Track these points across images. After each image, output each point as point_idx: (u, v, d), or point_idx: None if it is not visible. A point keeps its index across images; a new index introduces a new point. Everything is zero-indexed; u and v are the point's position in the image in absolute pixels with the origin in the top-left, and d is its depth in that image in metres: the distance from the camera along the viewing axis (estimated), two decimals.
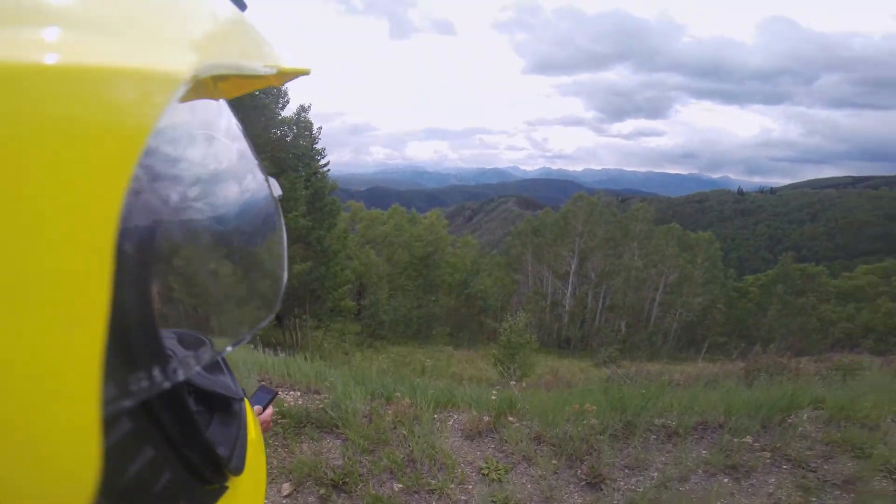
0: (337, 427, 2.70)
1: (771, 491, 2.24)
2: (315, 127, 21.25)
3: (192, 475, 0.33)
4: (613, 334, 32.44)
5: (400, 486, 2.28)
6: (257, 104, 18.77)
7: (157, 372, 0.23)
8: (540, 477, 2.36)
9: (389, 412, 2.88)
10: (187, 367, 0.27)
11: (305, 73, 0.43)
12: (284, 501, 2.21)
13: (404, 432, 2.66)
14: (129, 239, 0.20)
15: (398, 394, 3.12)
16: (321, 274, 21.38)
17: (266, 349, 4.70)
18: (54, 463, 0.18)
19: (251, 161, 0.41)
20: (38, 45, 0.16)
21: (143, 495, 0.29)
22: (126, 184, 0.18)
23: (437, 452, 2.51)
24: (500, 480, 2.34)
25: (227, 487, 0.38)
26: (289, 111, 20.63)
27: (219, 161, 0.39)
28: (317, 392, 3.19)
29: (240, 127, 0.40)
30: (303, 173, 20.46)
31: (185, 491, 0.33)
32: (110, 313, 0.18)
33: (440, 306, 35.61)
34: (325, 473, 2.32)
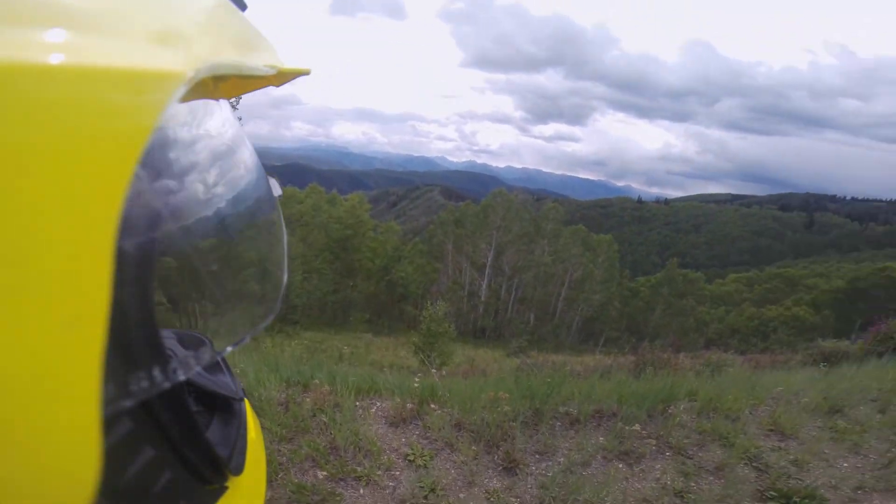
0: None
1: (658, 476, 2.54)
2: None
3: (192, 475, 0.33)
4: (523, 326, 34.39)
5: (324, 473, 2.25)
6: None
7: (157, 372, 0.24)
8: (462, 462, 2.47)
9: (307, 400, 2.83)
10: (187, 367, 0.27)
11: (305, 73, 0.43)
12: None
13: (325, 420, 2.63)
14: (129, 239, 0.20)
15: (316, 381, 3.07)
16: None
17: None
18: (54, 463, 0.18)
19: (251, 161, 0.41)
20: (38, 46, 0.16)
21: (143, 495, 0.29)
22: (126, 184, 0.18)
23: (361, 439, 2.52)
24: (425, 466, 2.41)
25: (227, 487, 0.38)
26: None
27: (219, 161, 0.39)
28: None
29: (240, 127, 0.40)
30: None
31: (185, 491, 0.33)
32: (110, 313, 0.18)
33: (359, 292, 35.13)
34: None
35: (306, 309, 30.23)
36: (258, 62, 0.33)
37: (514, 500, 2.28)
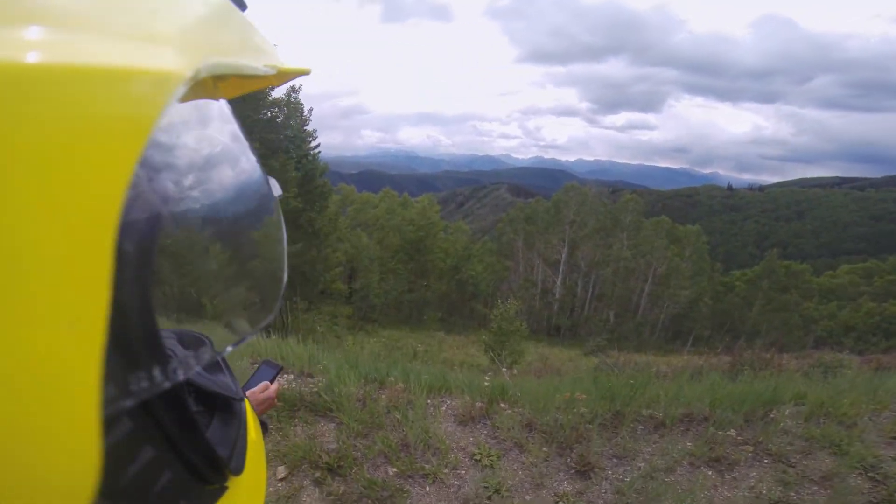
0: (331, 411, 2.72)
1: (752, 484, 2.30)
2: (306, 109, 21.32)
3: (192, 475, 0.33)
4: (602, 324, 32.86)
5: (394, 470, 2.31)
6: None
7: (157, 372, 0.23)
8: (531, 464, 2.41)
9: (383, 396, 2.91)
10: (187, 367, 0.27)
11: (306, 72, 0.43)
12: (280, 485, 2.24)
13: (398, 417, 2.69)
14: (129, 239, 0.20)
15: (392, 378, 3.15)
16: (312, 256, 21.53)
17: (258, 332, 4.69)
18: (54, 463, 0.18)
19: (252, 161, 0.41)
20: (38, 46, 0.16)
21: (143, 495, 0.29)
22: (126, 184, 0.18)
23: (430, 437, 2.55)
24: (492, 466, 2.39)
25: (227, 487, 0.38)
26: (279, 92, 20.54)
27: (219, 161, 0.39)
28: (310, 375, 3.21)
29: (240, 127, 0.40)
30: (294, 155, 20.53)
31: (185, 491, 0.33)
32: (110, 313, 0.18)
33: (432, 291, 35.69)
34: (320, 457, 2.35)
35: (384, 308, 31.39)
36: (258, 62, 0.33)
37: None
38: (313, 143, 22.39)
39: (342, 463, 2.34)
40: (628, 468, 2.40)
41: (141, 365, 0.23)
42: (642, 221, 36.19)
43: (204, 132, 0.37)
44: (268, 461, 2.32)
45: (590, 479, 2.34)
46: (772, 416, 2.79)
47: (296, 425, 2.66)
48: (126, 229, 0.19)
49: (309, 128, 21.81)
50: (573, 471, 2.39)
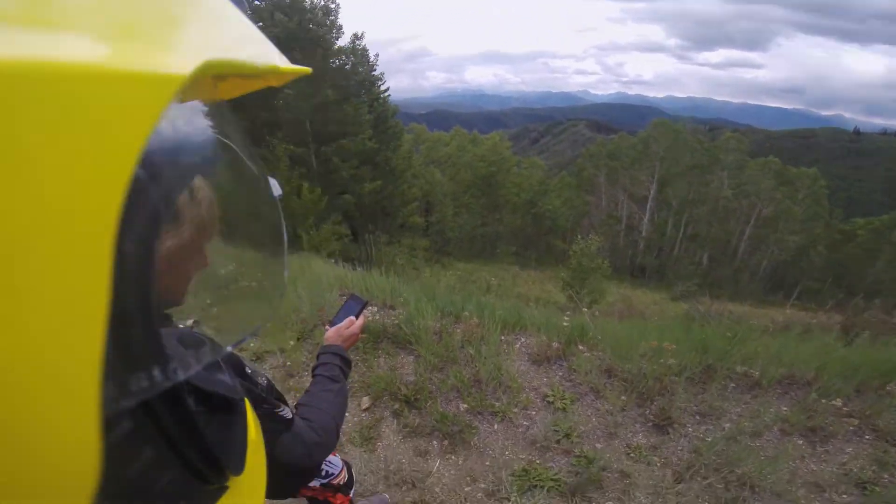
0: (410, 343, 2.81)
1: (845, 461, 2.06)
2: (371, 54, 22.36)
3: (192, 475, 0.33)
4: (694, 267, 31.21)
5: (465, 405, 2.37)
6: (312, 37, 19.78)
7: (157, 372, 0.24)
8: (606, 412, 2.33)
9: (458, 331, 2.94)
10: (187, 367, 0.27)
11: (306, 73, 0.43)
12: (363, 415, 2.39)
13: (472, 352, 2.71)
14: (128, 239, 0.20)
15: (466, 313, 3.15)
16: (390, 192, 23.00)
17: (345, 263, 4.96)
18: (54, 463, 0.18)
19: (252, 160, 0.42)
20: (38, 46, 0.16)
21: (143, 495, 0.29)
22: (125, 184, 0.18)
23: (503, 375, 2.55)
24: (564, 410, 2.35)
25: (227, 487, 0.38)
26: (344, 41, 21.72)
27: (219, 162, 0.41)
28: (392, 307, 3.32)
29: (240, 127, 0.41)
30: (365, 99, 21.84)
31: (185, 491, 0.34)
32: (110, 313, 0.18)
33: (505, 225, 36.40)
34: (399, 389, 2.46)
35: (458, 241, 32.61)
36: (258, 62, 0.32)
37: (657, 459, 2.09)
38: (382, 87, 23.53)
39: (418, 396, 2.43)
40: (711, 427, 2.24)
41: (141, 365, 0.23)
42: (747, 161, 33.41)
43: (203, 132, 0.38)
44: (354, 392, 2.49)
45: (667, 434, 2.21)
46: (888, 388, 2.42)
47: (379, 356, 2.80)
48: (126, 229, 0.19)
49: (376, 72, 22.96)
50: (650, 424, 2.28)
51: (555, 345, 2.80)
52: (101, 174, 0.17)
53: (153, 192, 0.23)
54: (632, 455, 2.10)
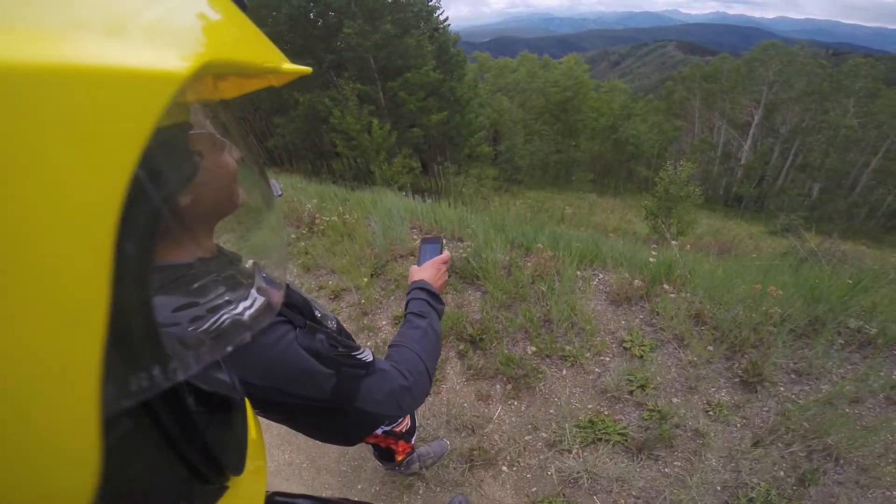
0: (478, 278, 2.68)
1: None
2: None
3: (192, 475, 0.33)
4: (801, 198, 28.76)
5: (533, 348, 2.23)
6: None
7: (157, 372, 0.24)
8: (689, 363, 2.07)
9: (529, 264, 2.75)
10: (187, 367, 0.27)
11: (306, 72, 0.44)
12: None
13: (543, 289, 2.52)
14: (128, 239, 0.21)
15: (539, 245, 2.92)
16: (457, 122, 23.02)
17: (415, 195, 4.89)
18: (54, 463, 0.18)
19: (252, 160, 0.45)
20: (37, 45, 0.16)
21: (142, 495, 0.29)
22: (125, 184, 0.18)
23: (576, 315, 2.36)
24: (642, 358, 2.12)
25: (227, 487, 0.37)
26: None
27: (219, 161, 0.43)
28: (460, 240, 3.20)
29: (240, 126, 0.43)
30: (425, 30, 21.72)
31: (184, 491, 0.33)
32: (110, 313, 0.19)
33: (581, 151, 35.44)
34: (465, 328, 2.36)
35: (529, 169, 32.01)
36: (258, 61, 0.33)
37: (739, 420, 1.82)
38: (441, 16, 23.24)
39: (483, 336, 2.32)
40: (806, 388, 1.90)
41: (141, 365, 0.23)
42: (881, 88, 29.80)
43: (204, 132, 0.40)
44: None
45: (755, 392, 1.92)
46: None
47: (446, 293, 2.70)
48: (126, 229, 0.19)
49: (433, 2, 22.49)
50: (737, 380, 1.98)
51: (637, 283, 2.51)
52: (100, 174, 0.18)
53: (153, 191, 0.23)
54: (710, 413, 1.86)
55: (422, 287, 0.97)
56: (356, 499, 1.60)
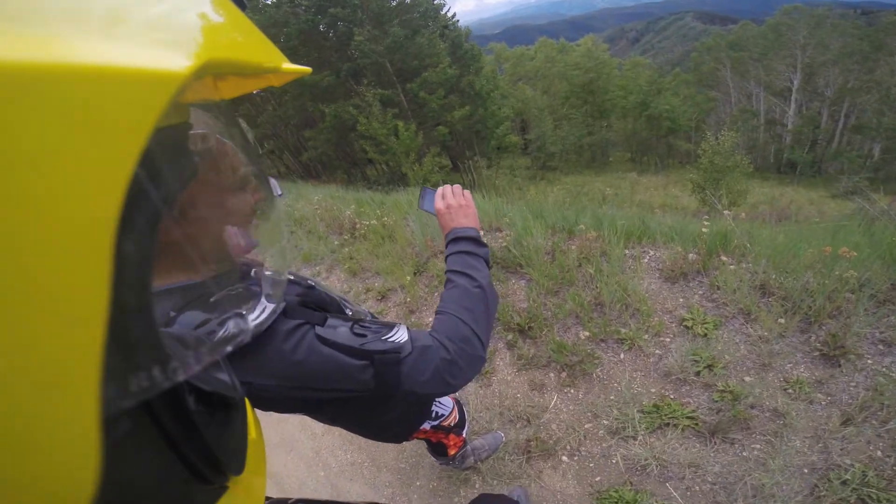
0: (521, 266, 2.61)
1: None
2: None
3: (192, 475, 0.33)
4: (862, 160, 27.40)
5: (586, 333, 2.14)
6: None
7: (157, 372, 0.24)
8: (759, 338, 1.91)
9: (573, 248, 2.65)
10: (187, 366, 0.27)
11: (306, 72, 0.44)
12: None
13: (591, 271, 2.42)
14: (128, 239, 0.21)
15: (581, 226, 2.82)
16: (481, 115, 23.04)
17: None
18: (55, 462, 0.18)
19: (252, 159, 0.44)
20: (37, 45, 0.16)
21: (142, 495, 0.28)
22: (125, 184, 0.18)
23: (629, 296, 2.24)
24: (706, 336, 1.99)
25: (227, 487, 0.37)
26: None
27: (219, 160, 0.43)
28: (498, 230, 3.13)
29: (240, 126, 0.42)
30: (435, 29, 21.73)
31: (185, 491, 0.33)
32: (110, 313, 0.19)
33: (615, 131, 34.91)
34: (512, 318, 2.30)
35: (563, 155, 31.52)
36: (258, 61, 0.33)
37: (823, 397, 1.66)
38: (448, 13, 23.25)
39: (532, 324, 2.25)
40: None
41: (141, 365, 0.23)
42: None
43: (204, 132, 0.40)
44: None
45: (839, 366, 1.74)
46: None
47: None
48: (126, 229, 0.19)
49: (437, 1, 22.42)
50: (817, 353, 1.81)
51: (691, 256, 2.36)
52: (101, 173, 0.18)
53: (153, 191, 0.24)
54: (790, 391, 1.70)
55: (455, 237, 0.87)
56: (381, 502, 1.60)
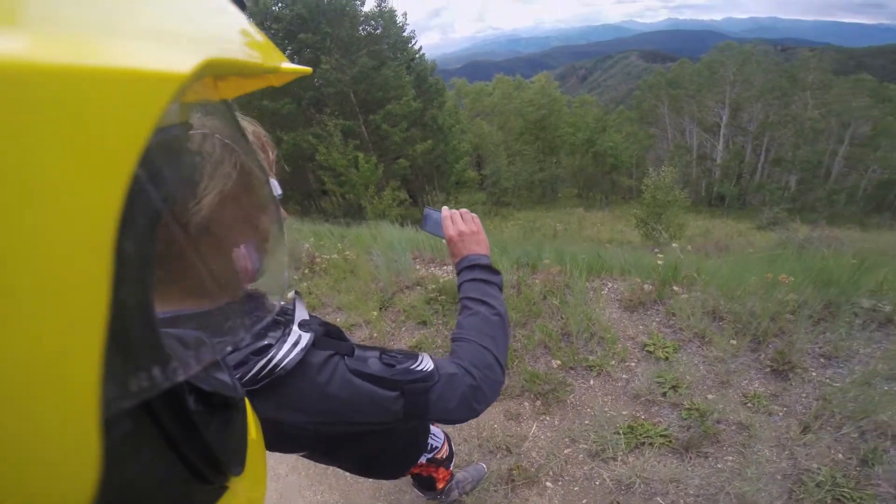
0: None
1: None
2: (399, 14, 22.12)
3: (192, 475, 0.33)
4: (780, 191, 29.84)
5: (557, 362, 2.21)
6: (335, 7, 19.59)
7: (157, 372, 0.24)
8: (715, 358, 2.07)
9: (537, 281, 2.77)
10: (187, 367, 0.27)
11: (307, 72, 0.44)
12: None
13: (556, 303, 2.54)
14: (128, 239, 0.20)
15: (546, 261, 2.95)
16: (441, 150, 23.04)
17: (413, 226, 4.91)
18: (54, 463, 0.18)
19: (252, 159, 0.44)
20: (35, 45, 0.16)
21: (142, 495, 0.28)
22: (125, 184, 0.18)
23: (593, 325, 2.36)
24: (667, 359, 2.12)
25: (227, 487, 0.37)
26: (369, 6, 21.83)
27: (219, 160, 0.42)
28: None
29: (241, 126, 0.42)
30: (402, 61, 21.81)
31: (185, 491, 0.33)
32: (110, 313, 0.18)
33: (563, 168, 36.18)
34: None
35: (516, 190, 32.36)
36: (259, 61, 0.32)
37: (779, 409, 1.82)
38: (416, 46, 23.47)
39: None
40: (839, 371, 1.91)
41: (141, 365, 0.23)
42: (832, 79, 31.87)
43: (204, 132, 0.39)
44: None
45: (788, 380, 1.92)
46: None
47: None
48: (126, 229, 0.19)
49: (407, 32, 22.78)
50: (768, 369, 1.99)
51: (647, 287, 2.54)
52: (100, 174, 0.17)
53: (153, 191, 0.23)
54: (749, 405, 1.85)
55: (470, 265, 0.87)
56: None
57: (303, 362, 0.59)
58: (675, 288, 2.52)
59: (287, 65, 0.38)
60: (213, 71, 0.25)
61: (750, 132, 32.14)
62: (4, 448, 0.17)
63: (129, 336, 0.22)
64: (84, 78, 0.17)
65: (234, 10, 0.33)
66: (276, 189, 0.50)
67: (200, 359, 0.30)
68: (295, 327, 0.62)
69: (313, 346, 0.62)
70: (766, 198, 29.21)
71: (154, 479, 0.30)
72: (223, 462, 0.36)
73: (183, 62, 0.21)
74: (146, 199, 0.23)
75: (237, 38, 0.31)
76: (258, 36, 0.35)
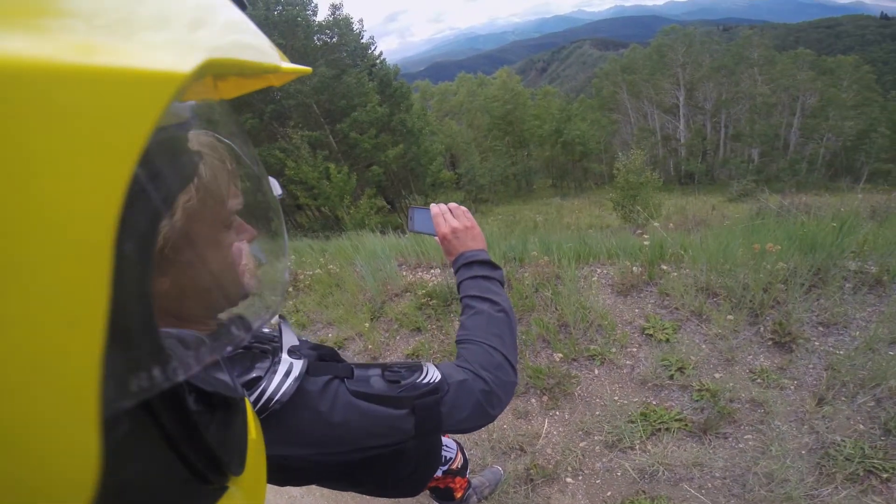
0: None
1: None
2: (355, 21, 21.92)
3: (192, 475, 0.33)
4: (745, 164, 30.96)
5: (559, 355, 2.18)
6: (286, 19, 19.36)
7: (157, 372, 0.24)
8: (716, 336, 2.06)
9: (527, 275, 2.73)
10: (187, 367, 0.27)
11: (306, 72, 0.44)
12: None
13: (548, 294, 2.51)
14: (128, 239, 0.20)
15: (534, 252, 2.92)
16: (414, 153, 23.03)
17: (395, 232, 4.83)
18: (54, 463, 0.18)
19: (252, 159, 0.43)
20: (36, 45, 0.16)
21: (142, 495, 0.28)
22: (125, 184, 0.18)
23: (589, 313, 2.33)
24: (668, 341, 2.10)
25: (227, 487, 0.37)
26: (321, 16, 21.56)
27: (219, 160, 0.42)
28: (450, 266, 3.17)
29: (240, 125, 0.41)
30: (363, 68, 21.63)
31: (184, 491, 0.33)
32: (110, 313, 0.19)
33: (535, 159, 36.76)
34: None
35: (492, 186, 32.56)
36: (259, 61, 0.33)
37: (790, 382, 1.81)
38: (376, 52, 23.34)
39: None
40: (840, 338, 1.92)
41: (141, 365, 0.23)
42: (775, 55, 33.35)
43: (204, 132, 0.39)
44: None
45: (792, 351, 1.92)
46: None
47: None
48: (126, 229, 0.19)
49: (365, 39, 22.62)
50: (770, 342, 1.98)
51: (636, 269, 2.53)
52: (100, 174, 0.18)
53: (153, 191, 0.24)
54: (758, 381, 1.84)
55: (468, 261, 0.82)
56: None
57: (299, 392, 0.54)
58: (664, 267, 2.52)
59: (287, 64, 0.38)
60: (214, 71, 0.25)
61: (707, 111, 33.25)
62: (4, 447, 0.17)
63: (129, 336, 0.22)
64: (85, 78, 0.17)
65: (234, 9, 0.33)
66: (277, 189, 0.49)
67: (200, 359, 0.30)
68: (284, 355, 0.57)
69: (307, 373, 0.56)
70: (732, 171, 30.29)
71: (154, 479, 0.29)
72: (223, 462, 0.36)
73: (183, 62, 0.21)
74: (146, 199, 0.23)
75: (237, 38, 0.31)
76: (258, 36, 0.35)
